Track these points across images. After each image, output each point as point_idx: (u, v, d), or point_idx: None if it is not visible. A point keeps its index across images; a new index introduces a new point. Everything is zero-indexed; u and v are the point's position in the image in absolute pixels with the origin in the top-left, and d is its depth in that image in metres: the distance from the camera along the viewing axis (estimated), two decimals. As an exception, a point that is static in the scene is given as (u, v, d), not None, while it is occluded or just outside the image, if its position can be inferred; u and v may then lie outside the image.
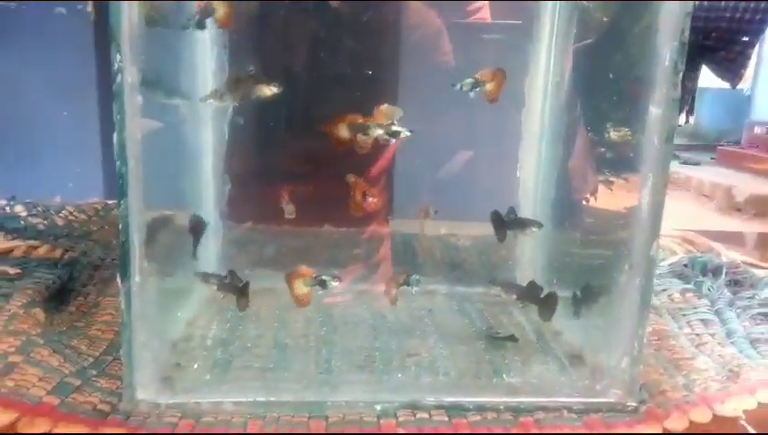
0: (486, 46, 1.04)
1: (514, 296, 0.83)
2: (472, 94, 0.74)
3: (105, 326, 0.84)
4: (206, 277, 0.82)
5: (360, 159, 0.99)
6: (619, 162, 0.83)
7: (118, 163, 0.63)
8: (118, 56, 0.62)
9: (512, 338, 0.82)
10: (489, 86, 0.74)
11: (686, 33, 0.64)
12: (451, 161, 1.07)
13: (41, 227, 1.25)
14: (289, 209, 0.91)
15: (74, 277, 1.01)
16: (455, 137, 1.05)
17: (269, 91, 0.76)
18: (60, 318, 0.87)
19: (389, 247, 1.08)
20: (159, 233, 0.73)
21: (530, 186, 1.01)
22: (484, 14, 1.04)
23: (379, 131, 0.74)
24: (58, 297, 0.93)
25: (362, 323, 0.87)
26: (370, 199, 0.83)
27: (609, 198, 0.81)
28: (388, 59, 1.05)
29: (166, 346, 0.75)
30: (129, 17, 0.62)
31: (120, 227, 0.63)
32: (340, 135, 0.74)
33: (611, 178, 0.83)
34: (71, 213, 1.32)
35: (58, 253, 1.09)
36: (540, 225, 0.84)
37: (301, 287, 0.75)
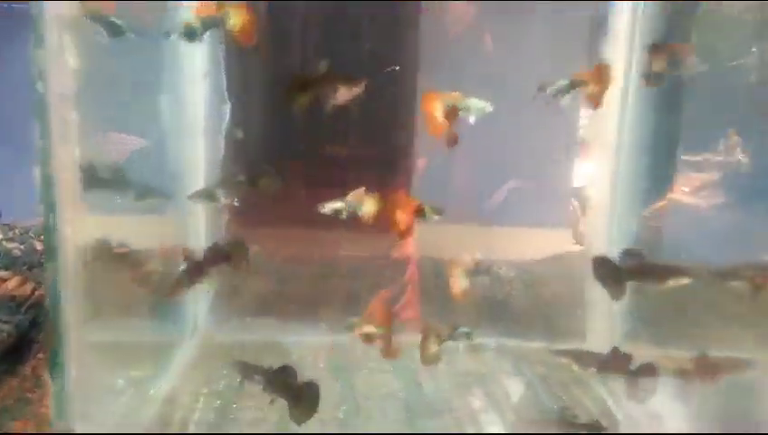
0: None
1: (593, 369, 0.62)
2: (564, 101, 0.54)
3: (60, 402, 0.65)
4: (247, 371, 0.56)
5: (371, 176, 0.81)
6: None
7: (43, 210, 0.43)
8: (40, 52, 0.42)
9: (596, 426, 0.60)
10: (591, 88, 0.53)
11: None
12: (498, 191, 0.88)
13: (17, 252, 1.10)
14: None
15: (38, 322, 0.84)
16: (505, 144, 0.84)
17: (349, 92, 0.61)
18: (9, 385, 0.69)
19: (417, 284, 0.88)
20: (118, 288, 0.54)
21: (601, 210, 0.80)
22: None
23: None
24: (13, 354, 0.75)
25: (391, 398, 0.67)
26: (435, 217, 0.63)
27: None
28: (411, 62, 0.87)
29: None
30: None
31: (48, 299, 0.44)
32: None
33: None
34: (52, 235, 1.16)
35: (28, 288, 0.94)
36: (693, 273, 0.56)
37: (432, 347, 0.59)
